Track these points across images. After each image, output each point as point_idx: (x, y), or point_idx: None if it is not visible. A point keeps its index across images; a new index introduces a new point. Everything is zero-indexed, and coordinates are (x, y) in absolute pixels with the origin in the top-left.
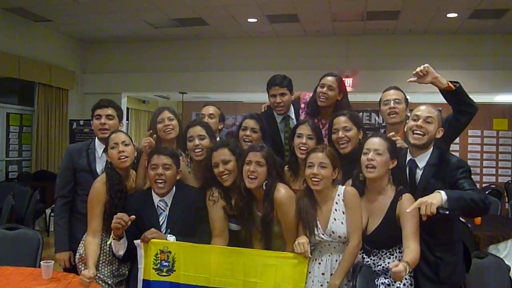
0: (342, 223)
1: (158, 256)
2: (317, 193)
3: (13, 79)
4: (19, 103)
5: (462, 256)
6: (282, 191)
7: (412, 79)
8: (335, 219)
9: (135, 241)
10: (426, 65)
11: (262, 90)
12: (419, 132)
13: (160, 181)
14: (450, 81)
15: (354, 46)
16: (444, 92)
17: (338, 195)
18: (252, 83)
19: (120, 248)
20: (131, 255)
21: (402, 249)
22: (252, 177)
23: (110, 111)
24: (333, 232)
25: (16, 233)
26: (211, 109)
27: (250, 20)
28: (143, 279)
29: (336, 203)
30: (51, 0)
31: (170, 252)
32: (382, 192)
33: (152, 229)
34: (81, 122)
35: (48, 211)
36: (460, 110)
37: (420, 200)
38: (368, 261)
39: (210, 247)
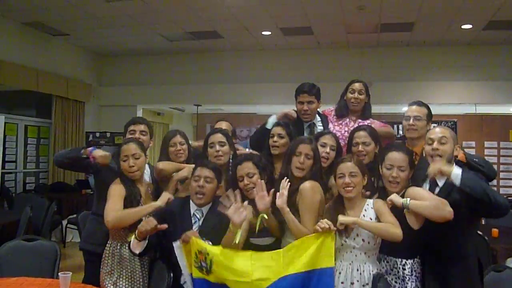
0: None
1: (197, 255)
2: (348, 200)
3: (31, 92)
4: (37, 116)
5: (477, 272)
6: (307, 183)
7: None
8: None
9: (174, 243)
10: None
11: (276, 102)
12: (437, 154)
13: (200, 193)
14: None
15: (368, 58)
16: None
17: (367, 204)
18: (266, 95)
19: (137, 248)
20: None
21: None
22: (301, 168)
23: (143, 127)
24: (357, 235)
25: (34, 244)
26: (224, 125)
27: (264, 33)
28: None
29: (365, 210)
30: (69, 14)
31: (208, 254)
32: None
33: (193, 230)
34: (97, 134)
35: (64, 222)
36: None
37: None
38: (382, 268)
39: (249, 253)
